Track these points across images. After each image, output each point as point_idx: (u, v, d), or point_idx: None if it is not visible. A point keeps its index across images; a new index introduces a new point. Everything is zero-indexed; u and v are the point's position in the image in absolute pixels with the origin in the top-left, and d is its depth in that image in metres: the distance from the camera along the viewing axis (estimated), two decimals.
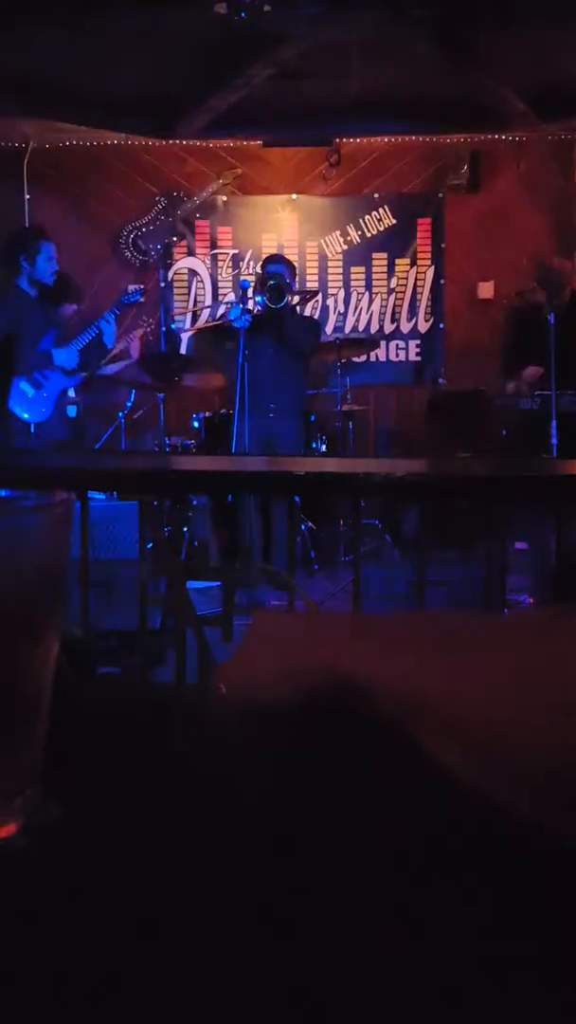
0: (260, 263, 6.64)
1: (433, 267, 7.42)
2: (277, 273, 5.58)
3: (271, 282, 5.45)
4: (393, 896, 0.39)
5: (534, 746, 0.41)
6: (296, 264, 7.32)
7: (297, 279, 6.11)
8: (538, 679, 0.42)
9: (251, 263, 7.35)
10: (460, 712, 0.44)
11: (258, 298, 5.49)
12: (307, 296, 7.11)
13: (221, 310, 7.08)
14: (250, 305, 5.49)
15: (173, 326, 7.29)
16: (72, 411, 6.06)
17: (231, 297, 7.31)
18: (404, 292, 7.44)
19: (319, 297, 7.44)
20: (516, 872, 0.40)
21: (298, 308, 6.63)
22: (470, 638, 0.48)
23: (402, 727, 0.44)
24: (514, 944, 0.36)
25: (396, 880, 0.40)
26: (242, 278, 6.26)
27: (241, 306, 5.39)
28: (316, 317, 7.37)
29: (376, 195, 7.38)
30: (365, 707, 0.46)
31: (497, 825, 0.41)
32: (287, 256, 7.11)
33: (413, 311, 7.45)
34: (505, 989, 0.34)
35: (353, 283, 7.45)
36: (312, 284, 7.45)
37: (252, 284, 5.60)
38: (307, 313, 7.32)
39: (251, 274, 5.62)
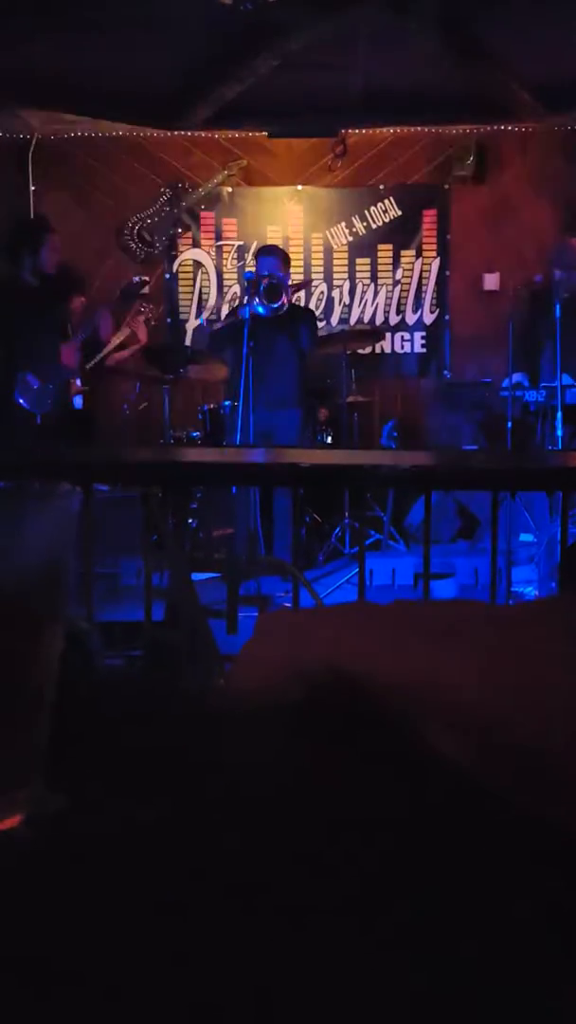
0: (252, 253, 6.60)
1: (439, 258, 7.40)
2: (270, 274, 5.56)
3: (265, 283, 5.44)
4: (394, 892, 0.39)
5: (540, 737, 0.41)
6: (302, 256, 7.33)
7: (290, 268, 6.07)
8: (545, 669, 0.42)
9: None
10: (466, 703, 0.43)
11: (258, 308, 5.45)
12: (299, 286, 7.05)
13: (225, 310, 7.06)
14: (247, 309, 5.47)
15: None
16: (79, 402, 6.07)
17: (236, 288, 7.31)
18: (409, 284, 7.42)
19: (324, 288, 7.42)
20: (518, 865, 0.40)
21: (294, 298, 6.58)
22: (478, 628, 0.48)
23: (410, 720, 0.44)
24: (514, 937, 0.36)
25: (397, 877, 0.40)
26: (247, 270, 6.24)
27: (249, 307, 5.40)
28: (322, 308, 7.36)
29: (382, 186, 7.36)
30: (371, 700, 0.46)
31: (500, 818, 0.41)
32: (290, 246, 7.10)
33: (418, 303, 7.43)
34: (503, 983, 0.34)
35: (358, 275, 7.43)
36: (317, 276, 7.43)
37: (252, 282, 5.56)
38: (312, 304, 7.30)
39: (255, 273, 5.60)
